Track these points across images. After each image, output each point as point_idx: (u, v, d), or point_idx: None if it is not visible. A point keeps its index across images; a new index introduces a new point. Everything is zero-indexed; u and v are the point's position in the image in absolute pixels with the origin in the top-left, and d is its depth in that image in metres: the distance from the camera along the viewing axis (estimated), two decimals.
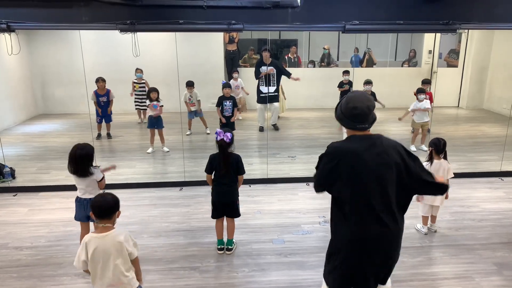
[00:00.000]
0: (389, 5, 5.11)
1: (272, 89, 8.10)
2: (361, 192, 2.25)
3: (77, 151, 3.50)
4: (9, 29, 4.72)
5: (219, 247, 3.95)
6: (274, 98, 8.18)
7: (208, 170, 3.87)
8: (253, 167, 6.12)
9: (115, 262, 2.55)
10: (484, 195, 5.33)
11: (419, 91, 6.90)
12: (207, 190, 5.45)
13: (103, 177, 3.69)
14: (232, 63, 10.31)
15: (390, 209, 2.29)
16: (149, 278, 3.56)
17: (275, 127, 8.42)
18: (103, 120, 7.79)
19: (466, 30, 10.06)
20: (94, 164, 3.64)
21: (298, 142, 7.61)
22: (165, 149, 7.05)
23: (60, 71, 9.77)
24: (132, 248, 2.62)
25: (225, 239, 4.00)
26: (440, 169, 4.19)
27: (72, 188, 5.36)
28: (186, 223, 4.59)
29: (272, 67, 8.05)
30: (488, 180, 5.79)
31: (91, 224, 3.72)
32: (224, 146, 3.71)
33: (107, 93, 7.70)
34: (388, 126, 8.53)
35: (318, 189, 2.44)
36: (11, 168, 5.80)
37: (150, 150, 7.04)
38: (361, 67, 11.01)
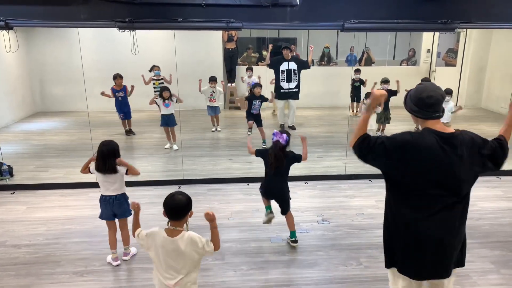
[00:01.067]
0: (387, 4, 5.11)
1: (292, 85, 8.14)
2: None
3: (103, 147, 3.52)
4: (8, 27, 4.71)
5: (267, 211, 4.05)
6: (294, 95, 8.22)
7: (258, 153, 3.96)
8: (251, 165, 6.12)
9: (182, 265, 2.50)
10: (482, 194, 5.34)
11: (447, 92, 6.77)
12: (205, 189, 5.47)
13: (128, 168, 3.66)
14: (231, 61, 10.31)
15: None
16: (147, 276, 3.56)
17: (293, 128, 8.40)
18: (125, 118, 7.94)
19: (465, 29, 10.07)
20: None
21: (297, 140, 7.58)
22: (175, 147, 7.05)
23: (59, 69, 9.74)
24: (207, 248, 2.54)
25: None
26: None
27: (70, 186, 5.41)
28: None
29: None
30: (486, 179, 5.80)
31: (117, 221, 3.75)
32: (279, 147, 3.76)
33: (124, 88, 7.79)
34: (389, 126, 8.53)
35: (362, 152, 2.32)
36: (9, 166, 5.79)
37: (168, 145, 7.11)
38: (360, 65, 11.02)
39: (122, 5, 4.81)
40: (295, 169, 5.99)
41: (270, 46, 8.18)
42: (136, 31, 5.12)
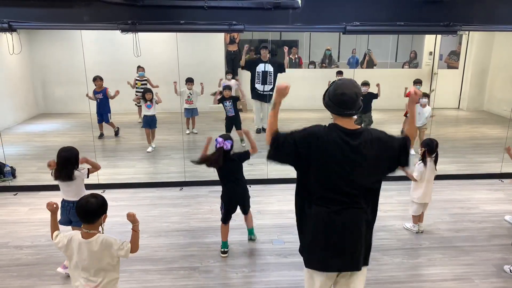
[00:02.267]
0: (389, 7, 5.12)
1: (268, 87, 8.00)
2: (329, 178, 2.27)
3: (62, 153, 3.48)
4: (11, 29, 4.73)
5: (222, 250, 3.96)
6: (269, 97, 8.07)
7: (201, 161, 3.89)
8: (253, 167, 6.12)
9: (96, 266, 2.49)
10: (484, 197, 5.33)
11: (424, 96, 6.65)
12: (207, 190, 5.47)
13: (88, 170, 3.63)
14: (233, 63, 10.31)
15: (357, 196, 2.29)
16: (148, 278, 3.57)
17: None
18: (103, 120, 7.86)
19: (467, 32, 10.06)
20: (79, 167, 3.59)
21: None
22: (149, 149, 7.07)
23: (61, 70, 9.77)
24: (119, 251, 2.51)
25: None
26: (427, 172, 4.23)
27: None
28: (186, 223, 4.59)
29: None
30: (488, 182, 5.79)
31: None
32: (220, 152, 3.72)
33: (104, 90, 7.71)
34: (389, 127, 8.53)
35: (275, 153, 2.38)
36: (11, 167, 5.81)
37: (150, 149, 7.06)
38: (362, 68, 11.02)
39: (125, 7, 4.83)
40: (292, 172, 6.01)
41: (246, 46, 8.11)
42: (138, 33, 5.13)
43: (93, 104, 7.62)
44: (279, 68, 8.12)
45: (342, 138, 2.23)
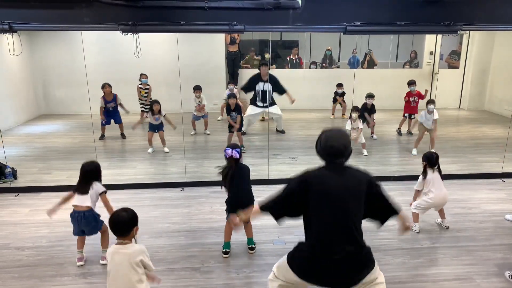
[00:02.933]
0: (390, 6, 5.11)
1: (266, 104, 7.95)
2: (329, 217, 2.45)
3: (85, 167, 3.69)
4: (12, 30, 4.73)
5: (224, 250, 3.96)
6: (270, 105, 8.04)
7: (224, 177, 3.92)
8: (254, 168, 6.12)
9: (128, 274, 2.55)
10: (485, 197, 5.32)
11: (428, 102, 6.69)
12: (208, 191, 5.47)
13: (105, 191, 3.75)
14: (233, 64, 10.32)
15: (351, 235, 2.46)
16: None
17: (282, 131, 8.33)
18: (112, 122, 7.92)
19: (468, 32, 10.05)
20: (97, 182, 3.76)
21: (299, 143, 7.61)
22: (166, 149, 7.08)
23: (62, 72, 9.78)
24: (148, 261, 2.62)
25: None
26: (433, 181, 4.28)
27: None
28: (187, 224, 4.59)
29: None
30: (489, 182, 5.78)
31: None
32: (232, 162, 3.78)
33: (114, 98, 7.77)
34: (389, 127, 8.54)
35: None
36: (12, 168, 5.82)
37: (150, 150, 7.07)
38: (362, 68, 11.01)
39: (125, 8, 4.83)
40: (297, 172, 6.00)
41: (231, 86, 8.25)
42: (139, 34, 5.13)
43: (94, 105, 7.61)
44: (278, 90, 8.02)
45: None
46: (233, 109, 7.01)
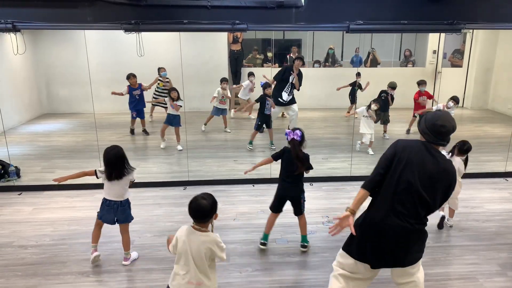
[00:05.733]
0: (393, 5, 5.10)
1: (289, 98, 7.82)
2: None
3: (109, 152, 3.51)
4: (15, 29, 4.75)
5: (262, 241, 3.99)
6: (290, 101, 7.92)
7: (275, 157, 3.93)
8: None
9: (200, 261, 2.52)
10: (489, 196, 5.30)
11: (452, 99, 6.89)
12: (210, 190, 5.44)
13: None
14: (236, 63, 10.31)
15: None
16: (152, 277, 3.58)
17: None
18: (137, 116, 7.99)
19: (471, 30, 10.01)
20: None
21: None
22: (179, 147, 7.07)
23: (65, 70, 9.81)
24: (221, 253, 2.57)
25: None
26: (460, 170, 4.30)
27: (76, 187, 5.43)
28: (189, 223, 4.58)
29: (295, 77, 7.72)
30: (493, 181, 5.76)
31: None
32: (296, 144, 3.74)
33: (139, 86, 7.88)
34: (393, 126, 8.51)
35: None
36: (16, 167, 5.84)
37: (163, 145, 7.08)
38: (365, 67, 10.99)
39: (128, 7, 4.84)
40: None
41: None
42: (142, 33, 5.14)
43: (97, 104, 7.61)
44: (300, 84, 7.89)
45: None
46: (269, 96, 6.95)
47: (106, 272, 3.67)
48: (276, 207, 3.95)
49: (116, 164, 3.51)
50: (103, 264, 3.77)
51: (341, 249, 2.77)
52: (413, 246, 2.58)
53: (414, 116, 8.12)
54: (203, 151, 7.10)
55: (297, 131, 3.75)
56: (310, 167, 3.89)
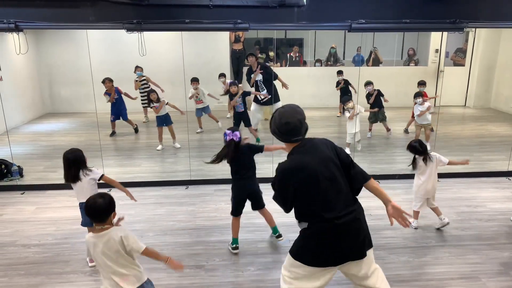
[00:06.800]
0: (395, 4, 5.09)
1: (265, 98, 7.70)
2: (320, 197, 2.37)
3: (68, 155, 3.54)
4: (17, 29, 4.76)
5: (233, 246, 3.97)
6: (268, 101, 7.81)
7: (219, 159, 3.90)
8: (258, 166, 6.11)
9: (116, 259, 2.53)
10: (491, 195, 5.29)
11: (416, 95, 6.89)
12: (213, 189, 5.49)
13: (102, 175, 3.66)
14: (238, 62, 10.31)
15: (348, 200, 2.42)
16: (154, 276, 3.58)
17: None
18: (120, 119, 7.99)
19: (473, 29, 9.97)
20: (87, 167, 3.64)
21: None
22: (177, 145, 7.08)
23: (67, 70, 9.83)
24: (133, 244, 2.55)
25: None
26: (431, 167, 4.23)
27: None
28: (191, 222, 4.61)
29: (258, 70, 7.74)
30: (495, 180, 5.75)
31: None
32: (234, 145, 3.75)
33: (116, 91, 7.85)
34: (394, 125, 8.50)
35: (287, 209, 2.54)
36: (18, 166, 5.86)
37: (160, 147, 7.08)
38: (367, 66, 10.97)
39: (130, 7, 4.85)
40: None
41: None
42: (144, 32, 5.15)
43: (100, 103, 7.64)
44: (269, 76, 7.68)
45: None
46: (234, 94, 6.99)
47: None
48: (237, 210, 3.93)
49: (71, 167, 3.55)
50: None
51: (292, 259, 2.54)
52: (362, 229, 2.43)
53: (413, 117, 8.11)
54: (205, 150, 7.10)
55: (236, 132, 3.74)
56: (256, 148, 3.91)
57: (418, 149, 4.20)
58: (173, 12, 4.92)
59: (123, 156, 7.00)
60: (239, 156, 3.78)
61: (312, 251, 2.43)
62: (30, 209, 4.97)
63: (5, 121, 6.09)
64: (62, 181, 5.61)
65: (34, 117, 9.61)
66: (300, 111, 2.46)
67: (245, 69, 10.38)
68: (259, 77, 7.79)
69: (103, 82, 7.67)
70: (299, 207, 2.46)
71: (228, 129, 3.80)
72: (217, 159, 3.82)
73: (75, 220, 4.61)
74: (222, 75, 8.01)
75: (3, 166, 5.78)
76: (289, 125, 2.38)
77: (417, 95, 6.89)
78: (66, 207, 5.01)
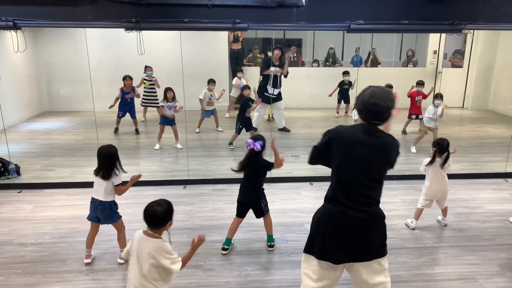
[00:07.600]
0: (394, 5, 5.10)
1: (277, 91, 7.87)
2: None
3: (102, 151, 3.57)
4: (16, 27, 4.75)
5: (223, 246, 3.96)
6: (277, 98, 7.98)
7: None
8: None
9: (145, 266, 2.51)
10: (489, 196, 5.31)
11: (436, 96, 6.85)
12: (211, 189, 5.48)
13: (121, 184, 3.66)
14: (236, 62, 10.31)
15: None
16: None
17: (286, 130, 8.22)
18: (128, 115, 7.96)
19: (472, 31, 10.01)
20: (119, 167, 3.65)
21: (301, 141, 7.60)
22: (179, 145, 7.06)
23: (66, 69, 9.81)
24: (166, 265, 2.53)
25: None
26: (433, 171, 4.29)
27: (76, 185, 5.44)
28: (189, 221, 4.60)
29: (279, 69, 7.75)
30: (493, 181, 5.76)
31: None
32: (254, 154, 3.76)
33: (133, 89, 7.86)
34: (392, 126, 8.50)
35: (311, 160, 2.66)
36: (16, 165, 5.84)
37: (157, 146, 7.06)
38: (366, 66, 10.99)
39: (129, 6, 4.84)
40: (300, 170, 6.02)
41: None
42: (143, 31, 5.14)
43: (98, 102, 7.59)
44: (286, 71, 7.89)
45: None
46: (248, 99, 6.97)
47: (105, 270, 3.67)
48: (237, 211, 3.97)
49: (104, 163, 3.57)
50: (103, 263, 3.77)
51: (303, 253, 2.56)
52: (374, 234, 2.39)
53: (409, 118, 8.11)
54: (203, 150, 7.10)
55: (258, 143, 3.71)
56: (268, 166, 3.88)
57: (442, 147, 4.24)
58: (172, 11, 4.91)
59: (121, 155, 6.85)
60: (253, 167, 3.80)
61: (315, 240, 2.44)
62: (27, 207, 4.95)
63: (3, 119, 6.06)
64: (60, 180, 5.66)
65: (32, 116, 9.58)
66: (392, 98, 2.37)
67: (246, 68, 10.41)
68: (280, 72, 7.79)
69: (124, 79, 7.69)
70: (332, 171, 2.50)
71: (251, 138, 3.79)
72: (239, 167, 3.85)
73: (73, 219, 4.61)
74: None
75: (0, 165, 5.76)
76: (377, 107, 2.31)
77: (437, 96, 6.82)
78: (64, 206, 4.99)
